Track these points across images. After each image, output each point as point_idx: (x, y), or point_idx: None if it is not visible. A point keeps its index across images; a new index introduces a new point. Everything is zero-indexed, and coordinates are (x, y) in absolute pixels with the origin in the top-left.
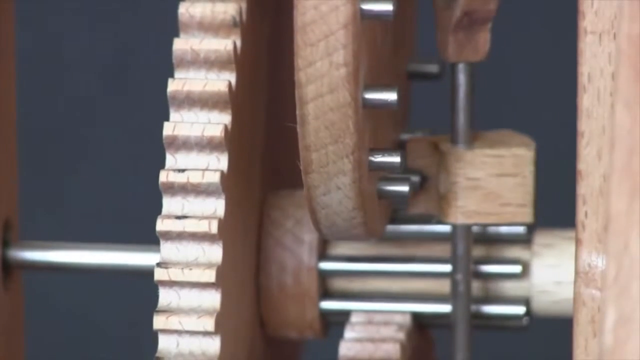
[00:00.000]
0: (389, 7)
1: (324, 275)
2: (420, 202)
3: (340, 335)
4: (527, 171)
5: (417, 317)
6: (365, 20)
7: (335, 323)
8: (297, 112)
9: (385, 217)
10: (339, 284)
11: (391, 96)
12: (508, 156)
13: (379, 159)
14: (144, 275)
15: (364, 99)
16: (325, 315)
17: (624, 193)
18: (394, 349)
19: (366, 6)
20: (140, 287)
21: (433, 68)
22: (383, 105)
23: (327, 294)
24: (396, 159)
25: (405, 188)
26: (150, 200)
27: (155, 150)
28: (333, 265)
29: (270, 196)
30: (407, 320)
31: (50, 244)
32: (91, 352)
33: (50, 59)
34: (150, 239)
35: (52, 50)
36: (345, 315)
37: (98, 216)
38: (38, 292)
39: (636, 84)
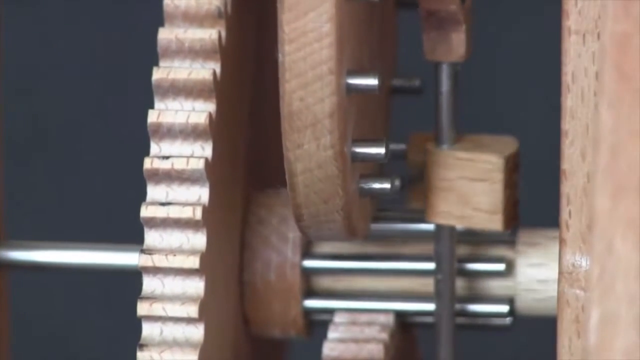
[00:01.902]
0: (374, 81)
1: (308, 273)
2: (417, 197)
3: (323, 336)
4: (497, 178)
5: (401, 315)
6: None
7: (319, 322)
8: (287, 179)
9: (369, 216)
10: (323, 282)
11: (380, 150)
12: (479, 161)
13: (370, 185)
14: (131, 275)
15: (353, 153)
16: (309, 313)
17: (608, 192)
18: (377, 349)
19: (352, 80)
20: (128, 287)
21: (415, 83)
22: (372, 159)
23: (311, 292)
24: (386, 185)
25: (386, 185)
26: (136, 200)
27: (142, 151)
28: (317, 263)
29: (256, 194)
30: (390, 320)
31: (36, 244)
32: (79, 352)
33: (35, 58)
34: (136, 239)
35: (37, 49)
36: (329, 313)
37: (84, 216)
38: (24, 292)
39: (620, 83)
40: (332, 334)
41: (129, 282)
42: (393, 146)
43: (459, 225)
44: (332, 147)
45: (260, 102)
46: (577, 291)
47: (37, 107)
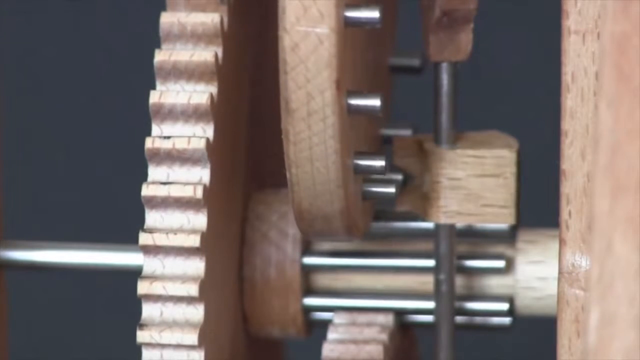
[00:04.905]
0: (381, 163)
1: (308, 270)
2: (407, 201)
3: (323, 337)
4: (509, 172)
5: (400, 313)
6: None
7: (319, 321)
8: (297, 226)
9: (369, 216)
10: (322, 279)
11: (390, 190)
12: (489, 157)
13: (373, 189)
14: (131, 275)
15: (355, 165)
16: (308, 311)
17: (607, 192)
18: (376, 350)
19: (360, 162)
20: (128, 287)
21: (415, 62)
22: (381, 196)
23: (310, 290)
24: (391, 189)
25: (391, 189)
26: (136, 200)
27: (141, 149)
28: (317, 260)
29: (255, 193)
30: (390, 320)
31: (36, 244)
32: (79, 352)
33: (34, 59)
34: (136, 239)
35: (35, 50)
36: (328, 311)
37: (84, 216)
38: (24, 292)
39: (619, 83)
40: (331, 334)
41: (129, 282)
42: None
43: (468, 223)
44: (343, 227)
45: (260, 101)
46: (577, 291)
47: (37, 107)
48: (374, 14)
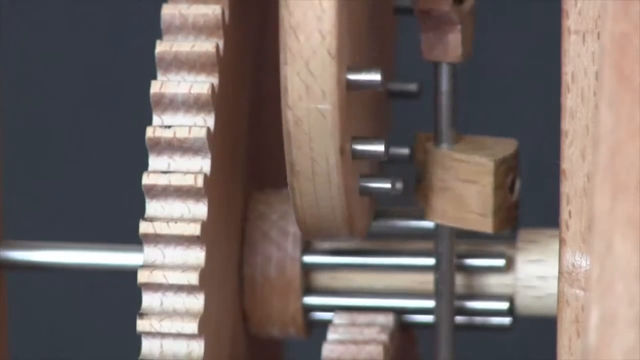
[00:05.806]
0: (387, 185)
1: (308, 269)
2: (419, 197)
3: (323, 337)
4: (486, 181)
5: (400, 313)
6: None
7: (319, 321)
8: (300, 231)
9: (369, 215)
10: (322, 279)
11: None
12: (470, 163)
13: (373, 184)
14: (131, 275)
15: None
16: (308, 310)
17: (607, 193)
18: (376, 350)
19: (366, 182)
20: (125, 287)
21: (412, 87)
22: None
23: (310, 289)
24: (387, 185)
25: (387, 185)
26: (136, 200)
27: (141, 150)
28: (317, 259)
29: (256, 193)
30: (390, 321)
31: (36, 244)
32: (79, 352)
33: (33, 58)
34: (136, 239)
35: (35, 49)
36: (328, 311)
37: (84, 216)
38: (24, 292)
39: (620, 83)
40: (331, 335)
41: (129, 282)
42: (396, 149)
43: (455, 226)
44: (346, 232)
45: (260, 103)
46: (577, 291)
47: (37, 107)
48: (375, 76)
